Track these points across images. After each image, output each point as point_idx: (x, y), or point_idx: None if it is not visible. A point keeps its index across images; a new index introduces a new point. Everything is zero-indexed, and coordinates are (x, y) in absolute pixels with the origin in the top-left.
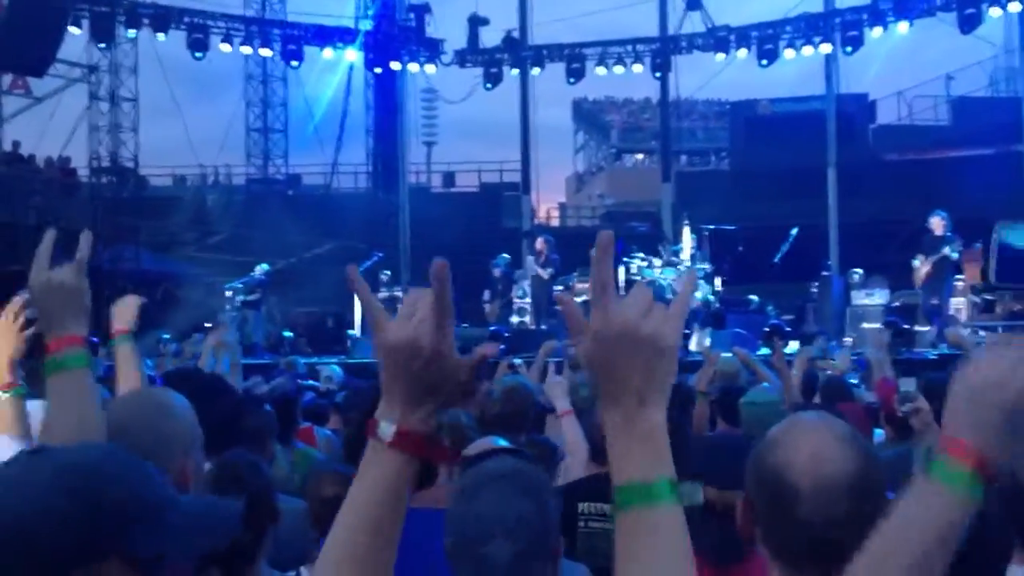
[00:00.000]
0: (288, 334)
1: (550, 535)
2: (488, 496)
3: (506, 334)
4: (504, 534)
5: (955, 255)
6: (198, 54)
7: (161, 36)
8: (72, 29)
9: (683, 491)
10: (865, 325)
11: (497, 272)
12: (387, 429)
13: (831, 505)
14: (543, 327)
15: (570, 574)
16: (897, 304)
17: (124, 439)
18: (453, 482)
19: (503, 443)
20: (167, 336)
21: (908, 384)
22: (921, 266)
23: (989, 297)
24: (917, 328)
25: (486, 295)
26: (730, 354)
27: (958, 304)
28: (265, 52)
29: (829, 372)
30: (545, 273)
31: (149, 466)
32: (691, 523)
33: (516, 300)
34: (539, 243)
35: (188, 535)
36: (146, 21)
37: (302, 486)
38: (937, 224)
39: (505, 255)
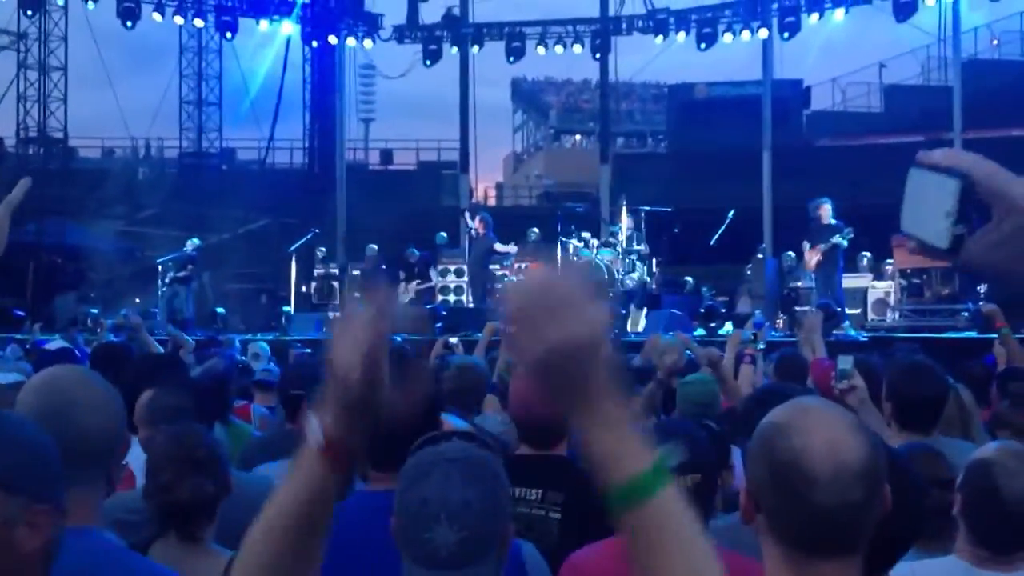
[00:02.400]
0: (220, 310)
1: (497, 522)
2: (435, 480)
3: (444, 312)
4: (448, 519)
5: (844, 243)
6: (129, 23)
7: (91, 4)
8: None
9: (664, 463)
10: (797, 308)
11: (412, 258)
12: (316, 429)
13: (847, 491)
14: (480, 306)
15: (517, 553)
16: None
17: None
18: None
19: (460, 424)
20: (95, 311)
21: (846, 362)
22: (811, 254)
23: (917, 281)
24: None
25: (401, 275)
26: (671, 335)
27: (887, 288)
28: (199, 23)
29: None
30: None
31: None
32: None
33: (452, 280)
34: (476, 222)
35: None
36: None
37: (240, 462)
38: (824, 212)
39: (443, 233)
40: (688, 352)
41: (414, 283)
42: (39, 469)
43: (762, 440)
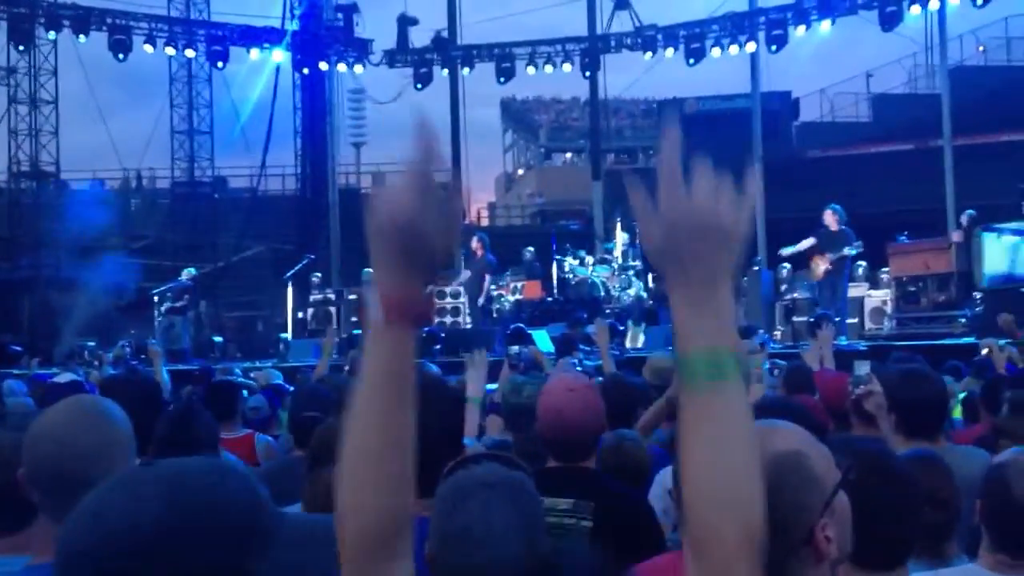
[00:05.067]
0: (218, 339)
1: (538, 543)
2: (475, 506)
3: (442, 335)
4: (492, 545)
5: (854, 253)
6: (120, 56)
7: (82, 38)
8: None
9: (745, 349)
10: (796, 319)
11: None
12: (377, 309)
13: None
14: (479, 327)
15: None
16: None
17: (64, 447)
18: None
19: (471, 444)
20: (92, 343)
21: (863, 368)
22: (819, 261)
23: (912, 289)
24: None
25: None
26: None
27: (883, 296)
28: (190, 53)
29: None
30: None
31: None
32: None
33: (448, 302)
34: (474, 243)
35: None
36: (66, 23)
37: None
38: (831, 219)
39: None
40: None
41: None
42: None
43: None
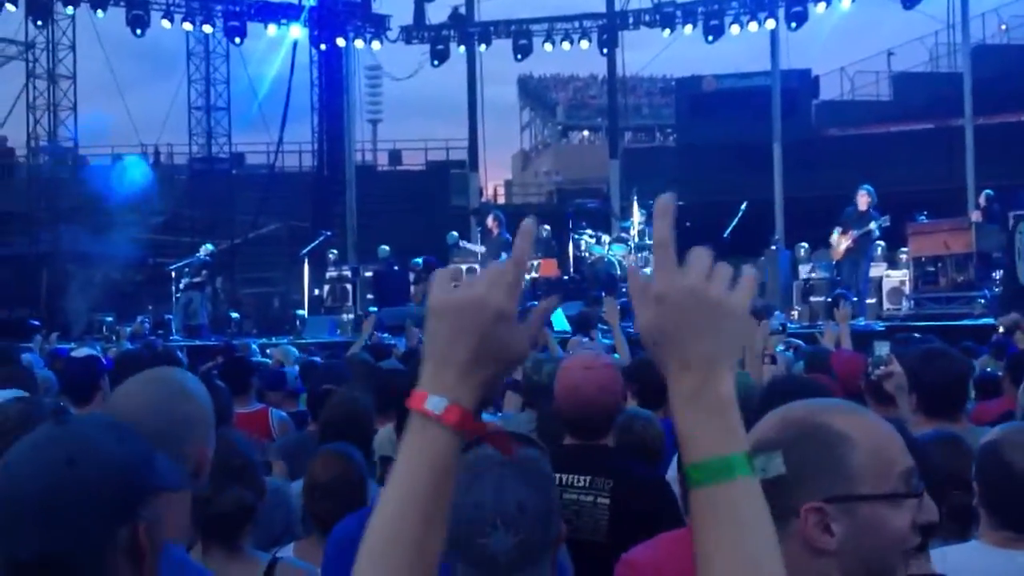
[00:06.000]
0: (235, 315)
1: (551, 523)
2: (487, 483)
3: None
4: (504, 523)
5: (877, 231)
6: (138, 31)
7: (100, 13)
8: (8, 6)
9: (760, 464)
10: (813, 299)
11: (418, 268)
12: (438, 403)
13: None
14: None
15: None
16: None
17: (140, 421)
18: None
19: (489, 419)
20: (109, 319)
21: (883, 348)
22: (840, 239)
23: (931, 269)
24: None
25: (411, 278)
26: None
27: (902, 277)
28: (207, 29)
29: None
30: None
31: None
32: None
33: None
34: (490, 221)
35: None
36: None
37: None
38: (863, 199)
39: (454, 232)
40: None
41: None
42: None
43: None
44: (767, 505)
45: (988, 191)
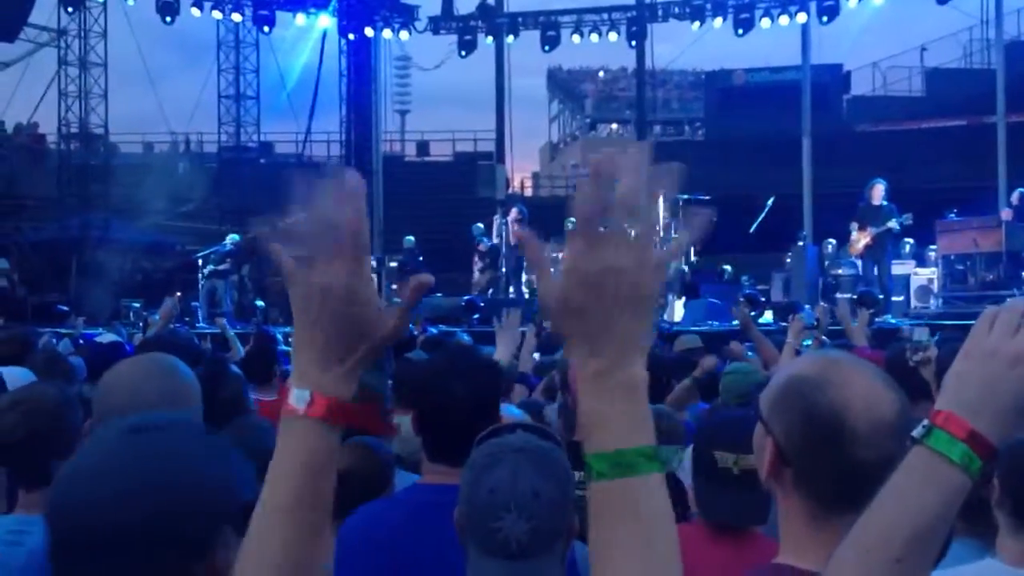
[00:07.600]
0: (260, 303)
1: (564, 513)
2: (503, 470)
3: (481, 304)
4: (518, 509)
5: (898, 228)
6: (168, 19)
7: (131, 0)
8: None
9: (664, 455)
10: (839, 295)
11: (482, 247)
12: (300, 396)
13: (883, 446)
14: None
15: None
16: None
17: (135, 396)
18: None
19: (517, 414)
20: (137, 304)
21: (922, 334)
22: (859, 236)
23: (960, 267)
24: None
25: (477, 264)
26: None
27: (930, 274)
28: (236, 17)
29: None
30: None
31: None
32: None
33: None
34: (513, 213)
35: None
36: None
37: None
38: (876, 193)
39: (479, 224)
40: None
41: (487, 274)
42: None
43: (796, 394)
44: (669, 500)
45: (1021, 189)
